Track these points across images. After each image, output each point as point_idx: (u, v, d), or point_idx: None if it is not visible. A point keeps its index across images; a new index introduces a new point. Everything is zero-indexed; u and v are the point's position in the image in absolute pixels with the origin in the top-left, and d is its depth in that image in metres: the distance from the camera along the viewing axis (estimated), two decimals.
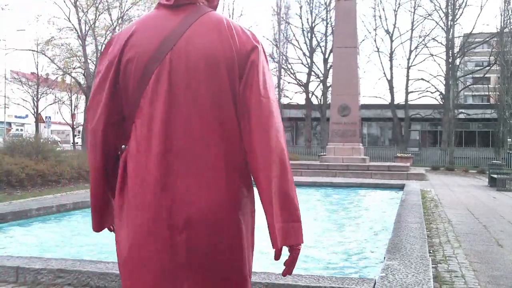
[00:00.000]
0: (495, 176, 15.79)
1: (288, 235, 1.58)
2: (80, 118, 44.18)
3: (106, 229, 2.05)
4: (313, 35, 40.72)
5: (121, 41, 1.67)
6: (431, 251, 5.58)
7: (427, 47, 38.99)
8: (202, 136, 1.60)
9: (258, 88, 1.61)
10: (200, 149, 1.60)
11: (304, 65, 41.08)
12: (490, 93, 44.26)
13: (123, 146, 1.76)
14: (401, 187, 13.26)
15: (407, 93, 39.76)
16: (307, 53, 40.67)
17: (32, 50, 34.32)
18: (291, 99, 43.05)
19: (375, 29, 39.89)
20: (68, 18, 28.16)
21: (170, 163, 1.59)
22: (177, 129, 1.60)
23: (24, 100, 41.39)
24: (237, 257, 1.65)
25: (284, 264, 1.63)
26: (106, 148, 1.73)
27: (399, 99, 41.00)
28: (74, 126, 44.94)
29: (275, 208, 1.57)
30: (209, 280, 1.61)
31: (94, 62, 27.96)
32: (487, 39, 37.88)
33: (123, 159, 1.70)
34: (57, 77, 33.60)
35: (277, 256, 1.62)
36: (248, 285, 1.67)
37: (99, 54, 27.82)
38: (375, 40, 39.90)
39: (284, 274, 1.63)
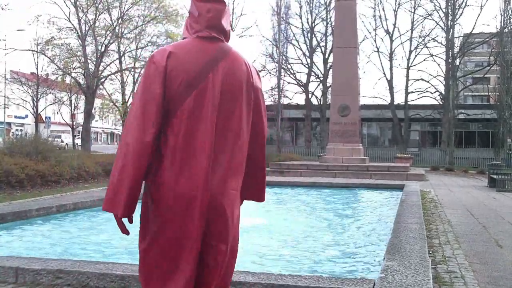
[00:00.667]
0: (494, 176, 15.80)
1: None
2: (80, 118, 44.13)
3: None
4: (313, 35, 40.73)
5: (163, 57, 2.16)
6: (430, 252, 5.58)
7: (427, 47, 39.05)
8: (231, 134, 2.24)
9: (262, 116, 2.44)
10: (229, 144, 2.23)
11: (304, 65, 41.08)
12: (490, 93, 44.26)
13: None
14: (400, 188, 13.26)
15: (407, 93, 39.76)
16: (307, 53, 40.66)
17: (32, 50, 34.31)
18: (291, 99, 43.02)
19: (375, 29, 39.90)
20: (68, 18, 28.12)
21: (212, 156, 2.16)
22: (218, 128, 2.18)
23: (24, 100, 41.36)
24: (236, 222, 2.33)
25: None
26: (152, 143, 2.12)
27: (399, 99, 41.06)
28: (74, 127, 44.93)
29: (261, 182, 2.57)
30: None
31: (94, 62, 27.91)
32: (487, 39, 37.89)
33: (157, 151, 2.16)
34: (57, 77, 33.53)
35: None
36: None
37: (99, 54, 27.80)
38: (375, 40, 39.93)
39: None
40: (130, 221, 2.21)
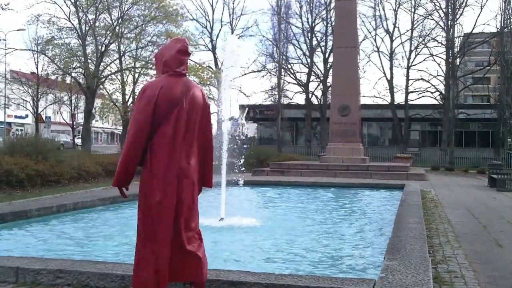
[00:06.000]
0: (495, 176, 15.78)
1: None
2: (80, 118, 44.12)
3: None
4: (313, 35, 40.71)
5: (156, 88, 3.42)
6: (431, 252, 5.57)
7: (427, 47, 39.00)
8: (194, 138, 3.58)
9: (210, 122, 3.71)
10: (193, 137, 3.55)
11: (304, 65, 41.04)
12: (490, 93, 44.24)
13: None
14: (401, 187, 13.27)
15: (407, 93, 39.74)
16: (307, 53, 40.63)
17: (32, 50, 34.33)
18: (291, 99, 42.96)
19: (375, 29, 39.85)
20: (68, 18, 28.14)
21: (184, 150, 3.46)
22: (189, 134, 3.51)
23: (24, 100, 41.38)
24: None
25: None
26: (146, 141, 3.40)
27: (399, 99, 41.01)
28: (74, 126, 44.95)
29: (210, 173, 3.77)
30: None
31: (94, 62, 27.91)
32: (487, 39, 37.86)
33: (149, 147, 3.41)
34: (57, 77, 33.52)
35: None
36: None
37: (99, 54, 27.81)
38: (375, 40, 39.87)
39: None
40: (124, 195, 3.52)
